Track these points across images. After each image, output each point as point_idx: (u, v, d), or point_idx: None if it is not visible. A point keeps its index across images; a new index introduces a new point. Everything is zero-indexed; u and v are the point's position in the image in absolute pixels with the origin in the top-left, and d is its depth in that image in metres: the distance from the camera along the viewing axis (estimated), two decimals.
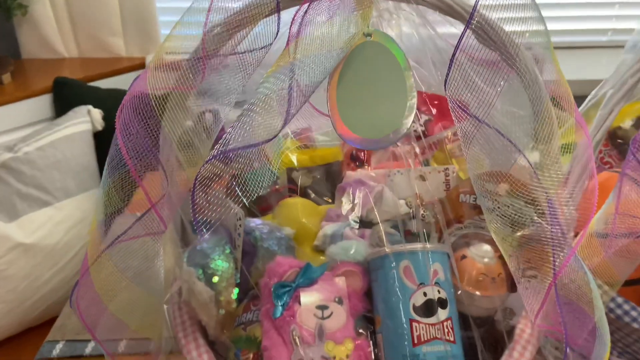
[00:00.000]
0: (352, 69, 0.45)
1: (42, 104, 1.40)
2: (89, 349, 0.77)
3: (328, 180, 0.67)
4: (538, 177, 0.48)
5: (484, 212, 0.48)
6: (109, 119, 1.36)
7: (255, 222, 0.57)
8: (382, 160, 0.66)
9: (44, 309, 1.20)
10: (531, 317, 0.51)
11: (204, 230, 0.55)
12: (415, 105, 0.46)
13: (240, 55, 0.47)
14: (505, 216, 0.49)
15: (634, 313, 0.55)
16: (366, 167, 0.64)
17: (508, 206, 0.50)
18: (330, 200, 0.66)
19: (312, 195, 0.66)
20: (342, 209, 0.58)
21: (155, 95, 0.47)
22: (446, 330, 0.48)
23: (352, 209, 0.58)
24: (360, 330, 0.51)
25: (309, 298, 0.51)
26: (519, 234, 0.51)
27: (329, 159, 0.68)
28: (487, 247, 0.54)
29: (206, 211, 0.55)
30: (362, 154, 0.67)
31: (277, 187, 0.66)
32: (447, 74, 0.45)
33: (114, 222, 0.48)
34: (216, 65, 0.48)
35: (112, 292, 0.51)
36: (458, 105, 0.46)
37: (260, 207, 0.64)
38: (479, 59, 0.47)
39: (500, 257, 0.54)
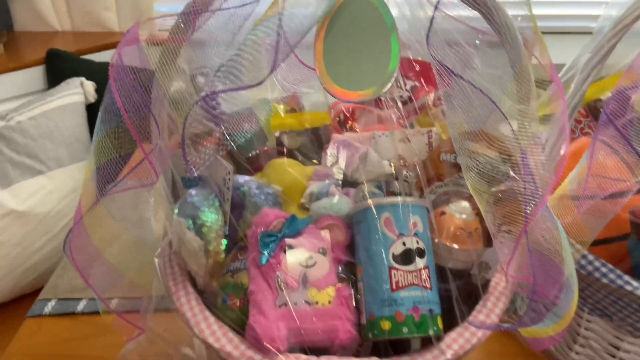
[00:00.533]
0: (339, 23, 0.47)
1: (35, 75, 1.41)
2: (80, 306, 0.79)
3: (315, 144, 0.69)
4: (514, 133, 0.50)
5: (463, 169, 0.50)
6: (101, 91, 1.37)
7: (244, 178, 0.59)
8: (369, 124, 0.68)
9: (35, 276, 1.22)
10: (504, 267, 0.54)
11: (195, 182, 0.57)
12: (399, 60, 0.47)
13: (229, 10, 0.49)
14: (482, 172, 0.52)
15: (604, 269, 0.58)
16: (354, 125, 0.66)
17: (485, 163, 0.52)
18: (317, 162, 0.68)
19: (300, 157, 0.68)
20: (327, 161, 0.60)
21: (148, 47, 0.48)
22: (423, 277, 0.51)
23: (336, 162, 0.60)
24: (342, 275, 0.54)
25: (294, 248, 0.53)
26: (494, 189, 0.53)
27: (316, 123, 0.70)
28: (465, 204, 0.57)
29: (197, 163, 0.58)
30: (350, 117, 0.69)
31: (266, 148, 0.68)
32: (429, 31, 0.47)
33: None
34: (206, 20, 0.50)
35: (106, 240, 0.53)
36: (439, 63, 0.48)
37: (251, 167, 0.66)
38: (460, 19, 0.49)
39: (478, 213, 0.57)
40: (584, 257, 0.59)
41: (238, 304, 0.53)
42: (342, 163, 0.62)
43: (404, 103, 0.67)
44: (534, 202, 0.48)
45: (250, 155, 0.66)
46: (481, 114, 0.51)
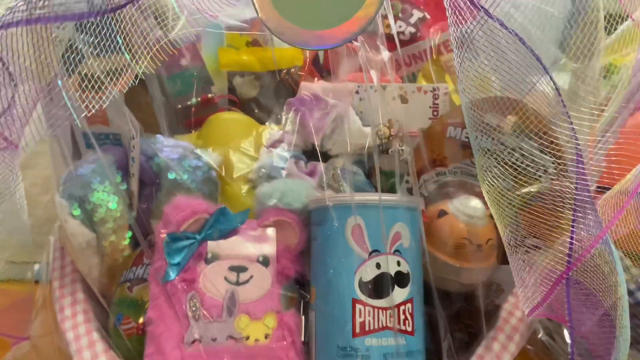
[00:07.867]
0: None
1: None
2: None
3: (280, 92, 0.51)
4: (565, 109, 0.32)
5: (477, 155, 0.33)
6: None
7: (162, 142, 0.41)
8: (352, 72, 0.49)
9: None
10: (522, 306, 0.37)
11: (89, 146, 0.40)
12: None
13: None
14: (507, 163, 0.34)
15: None
16: (336, 70, 0.46)
17: (513, 149, 0.34)
18: (279, 120, 0.50)
19: (256, 110, 0.50)
20: (288, 122, 0.42)
21: None
22: (402, 317, 0.34)
23: (293, 133, 0.42)
24: (289, 294, 0.37)
25: (219, 255, 0.37)
26: (524, 189, 0.35)
27: (284, 63, 0.51)
28: (476, 202, 0.39)
29: (92, 118, 0.40)
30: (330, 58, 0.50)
31: (210, 95, 0.49)
32: None
33: None
34: None
35: None
36: None
37: (185, 121, 0.48)
38: None
39: (492, 216, 0.39)
40: (635, 281, 0.42)
41: (135, 329, 0.37)
42: (308, 125, 0.44)
43: (405, 43, 0.48)
44: (586, 221, 0.31)
45: (186, 104, 0.48)
46: (515, 72, 0.32)
